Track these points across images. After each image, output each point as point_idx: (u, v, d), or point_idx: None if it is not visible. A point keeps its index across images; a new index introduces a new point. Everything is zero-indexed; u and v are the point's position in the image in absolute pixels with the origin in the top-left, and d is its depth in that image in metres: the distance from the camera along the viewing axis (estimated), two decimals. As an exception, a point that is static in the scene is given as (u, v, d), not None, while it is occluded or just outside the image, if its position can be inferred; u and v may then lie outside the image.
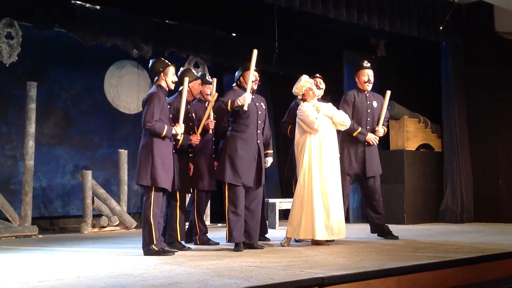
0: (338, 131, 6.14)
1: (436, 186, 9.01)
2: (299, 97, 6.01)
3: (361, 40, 9.81)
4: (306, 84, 5.90)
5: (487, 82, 8.85)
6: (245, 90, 5.63)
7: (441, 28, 8.28)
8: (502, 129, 8.77)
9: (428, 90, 9.43)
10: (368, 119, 6.50)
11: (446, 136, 8.96)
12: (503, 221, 8.37)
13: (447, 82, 8.95)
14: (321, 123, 5.78)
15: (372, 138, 6.43)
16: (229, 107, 5.55)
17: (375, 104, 6.56)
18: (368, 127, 6.48)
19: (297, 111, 5.91)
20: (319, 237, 5.66)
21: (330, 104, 6.07)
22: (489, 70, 8.79)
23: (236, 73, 5.90)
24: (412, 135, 8.96)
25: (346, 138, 6.47)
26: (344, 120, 5.96)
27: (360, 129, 6.40)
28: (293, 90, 6.01)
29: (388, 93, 6.57)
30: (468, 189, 8.80)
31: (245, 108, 5.54)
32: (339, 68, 9.48)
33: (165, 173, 5.22)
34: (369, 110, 6.52)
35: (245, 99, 5.52)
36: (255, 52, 5.64)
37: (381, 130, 6.48)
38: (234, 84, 5.89)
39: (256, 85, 5.82)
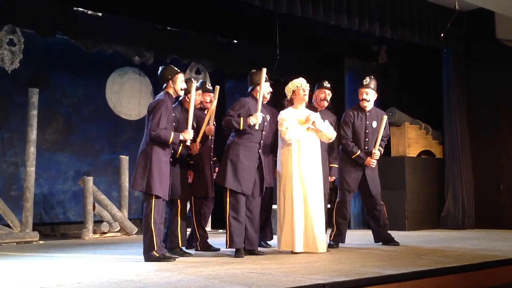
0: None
1: (438, 192, 9.00)
2: (287, 97, 5.89)
3: (363, 46, 9.82)
4: (301, 83, 5.81)
5: (488, 88, 8.85)
6: (256, 100, 5.67)
7: (442, 34, 8.28)
8: (503, 135, 8.77)
9: (429, 96, 9.44)
10: (366, 139, 6.38)
11: (447, 143, 8.96)
12: (504, 227, 8.36)
13: (448, 88, 8.95)
14: (294, 137, 5.67)
15: (370, 163, 6.35)
16: (241, 127, 5.59)
17: (374, 124, 6.42)
18: (366, 147, 6.38)
19: (278, 118, 5.83)
20: (298, 249, 5.60)
21: (318, 114, 5.96)
22: (490, 77, 8.79)
23: (249, 85, 5.90)
24: (413, 141, 8.96)
25: (346, 157, 6.42)
26: (331, 135, 5.90)
27: (358, 152, 6.31)
28: (285, 88, 5.94)
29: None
30: (470, 195, 8.79)
31: (257, 127, 5.59)
32: (341, 75, 9.49)
33: (161, 181, 5.22)
34: (367, 131, 6.39)
35: (257, 119, 5.57)
36: (263, 70, 5.68)
37: (377, 153, 6.35)
38: (250, 95, 5.85)
39: (269, 95, 5.87)
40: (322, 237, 5.67)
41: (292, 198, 5.64)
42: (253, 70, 5.87)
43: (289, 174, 5.69)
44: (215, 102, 5.96)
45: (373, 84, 6.44)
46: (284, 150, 5.78)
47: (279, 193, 5.78)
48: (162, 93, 5.44)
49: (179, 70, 5.48)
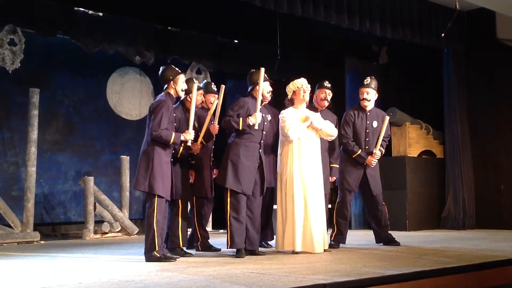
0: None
1: (438, 193, 9.00)
2: (288, 97, 5.88)
3: (363, 46, 9.82)
4: (302, 84, 5.80)
5: (488, 88, 8.85)
6: (255, 100, 5.66)
7: (442, 34, 8.28)
8: (504, 135, 8.76)
9: (430, 96, 9.44)
10: (367, 139, 6.40)
11: (448, 143, 8.96)
12: (505, 227, 8.35)
13: (449, 88, 8.95)
14: (296, 134, 5.67)
15: (371, 161, 6.35)
16: (240, 127, 5.58)
17: (375, 124, 6.44)
18: (366, 147, 6.39)
19: (279, 117, 5.85)
20: (298, 248, 5.60)
21: (318, 114, 5.96)
22: (491, 77, 8.79)
23: (249, 85, 5.89)
24: (414, 141, 8.96)
25: (346, 157, 6.41)
26: (332, 133, 5.89)
27: (359, 152, 6.32)
28: (286, 88, 5.93)
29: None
30: (470, 195, 8.79)
31: (256, 127, 5.59)
32: (341, 75, 9.49)
33: (163, 181, 5.22)
34: (367, 130, 6.41)
35: (257, 119, 5.57)
36: (262, 70, 5.67)
37: (378, 153, 6.36)
38: (249, 94, 5.85)
39: (270, 96, 5.86)
40: (320, 237, 5.67)
41: (293, 197, 5.63)
42: (252, 70, 5.87)
43: (289, 173, 5.68)
44: (216, 102, 5.97)
45: (373, 84, 6.45)
46: (284, 149, 5.77)
47: (280, 192, 5.77)
48: (163, 93, 5.44)
49: (180, 71, 5.48)
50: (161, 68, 5.53)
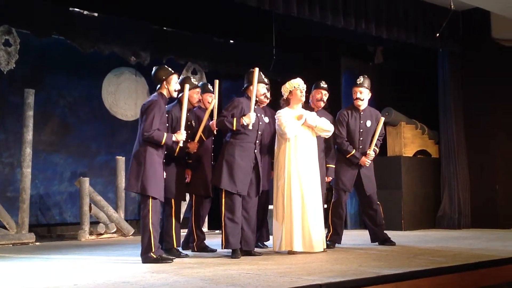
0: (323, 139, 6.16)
1: (434, 192, 9.02)
2: (284, 97, 5.89)
3: (359, 47, 9.84)
4: (299, 84, 5.81)
5: (484, 88, 8.87)
6: (250, 100, 5.64)
7: (437, 34, 8.30)
8: (499, 134, 8.79)
9: (425, 96, 9.46)
10: (361, 138, 6.41)
11: (443, 142, 8.98)
12: (500, 227, 8.38)
13: (444, 88, 8.97)
14: (292, 131, 5.67)
15: (365, 162, 6.37)
16: (234, 127, 5.57)
17: (368, 123, 6.46)
18: (360, 147, 6.41)
19: (275, 117, 5.85)
20: (297, 248, 5.60)
21: (314, 113, 5.97)
22: (486, 76, 8.81)
23: (245, 82, 5.89)
24: (409, 141, 8.98)
25: (341, 157, 6.43)
26: (328, 128, 5.90)
27: (353, 152, 6.34)
28: (282, 88, 5.93)
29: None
30: (466, 195, 8.81)
31: (250, 127, 5.57)
32: (337, 75, 9.49)
33: (156, 183, 5.21)
34: (361, 130, 6.42)
35: (250, 119, 5.55)
36: (256, 70, 5.66)
37: (371, 153, 6.39)
38: (245, 94, 5.84)
39: (267, 99, 5.86)
40: (318, 236, 5.67)
41: (291, 196, 5.64)
42: (251, 69, 5.84)
43: (287, 172, 5.69)
44: (214, 101, 5.97)
45: (366, 83, 6.47)
46: (281, 148, 5.78)
47: (276, 192, 5.77)
48: (155, 93, 5.43)
49: (173, 71, 5.47)
50: (154, 68, 5.51)
